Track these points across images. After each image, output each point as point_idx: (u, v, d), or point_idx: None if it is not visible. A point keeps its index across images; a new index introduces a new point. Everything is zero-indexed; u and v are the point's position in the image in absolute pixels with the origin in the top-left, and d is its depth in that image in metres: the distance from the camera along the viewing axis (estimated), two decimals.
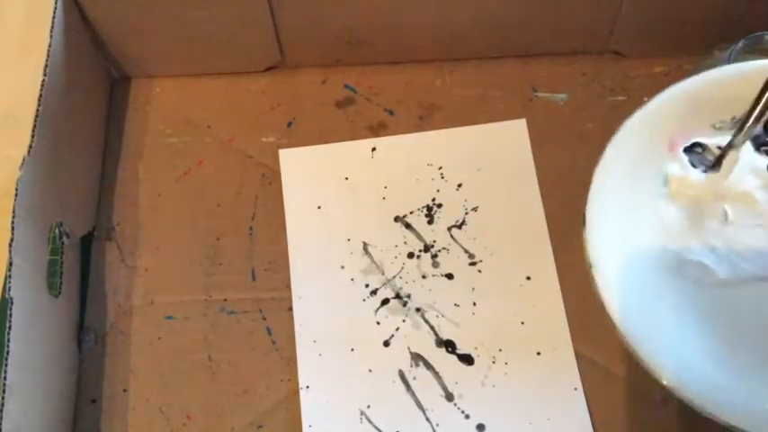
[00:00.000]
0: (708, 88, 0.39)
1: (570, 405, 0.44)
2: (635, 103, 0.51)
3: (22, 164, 0.41)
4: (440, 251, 0.48)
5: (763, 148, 0.40)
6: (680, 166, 0.40)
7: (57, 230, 0.45)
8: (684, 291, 0.38)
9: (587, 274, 0.47)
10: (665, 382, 0.34)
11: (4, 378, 0.38)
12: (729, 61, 0.42)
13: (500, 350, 0.46)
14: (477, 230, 0.49)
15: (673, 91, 0.39)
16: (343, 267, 0.48)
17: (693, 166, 0.40)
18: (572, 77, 0.53)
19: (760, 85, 0.37)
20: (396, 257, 0.48)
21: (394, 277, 0.48)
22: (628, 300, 0.36)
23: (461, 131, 0.52)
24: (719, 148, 0.39)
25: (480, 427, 0.44)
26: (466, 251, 0.48)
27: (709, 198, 0.39)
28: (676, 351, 0.36)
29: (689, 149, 0.40)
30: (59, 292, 0.45)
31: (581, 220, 0.37)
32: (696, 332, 0.37)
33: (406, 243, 0.49)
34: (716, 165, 0.39)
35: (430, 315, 0.47)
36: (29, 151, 0.42)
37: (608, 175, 0.38)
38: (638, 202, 0.39)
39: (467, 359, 0.46)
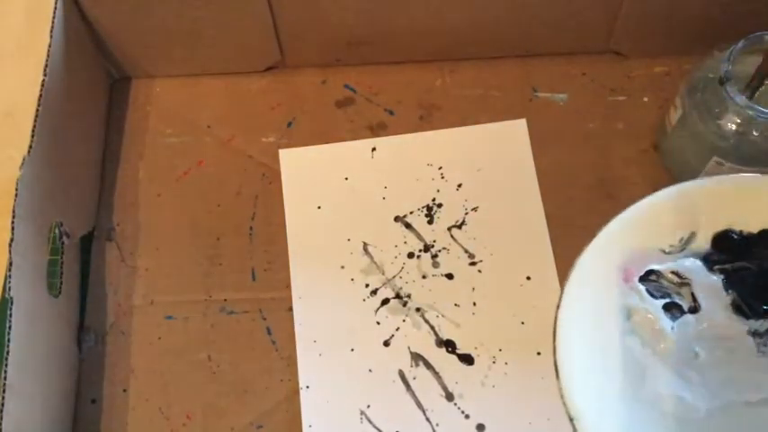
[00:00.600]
0: (650, 214, 0.39)
1: None
2: (635, 103, 0.52)
3: (22, 164, 0.41)
4: (440, 251, 0.48)
5: (716, 266, 0.40)
6: (639, 298, 0.40)
7: (57, 230, 0.45)
8: (672, 427, 0.38)
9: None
10: None
11: (4, 378, 0.38)
12: (729, 61, 0.42)
13: (500, 350, 0.46)
14: (477, 230, 0.49)
15: (616, 222, 0.39)
16: (343, 267, 0.48)
17: (651, 295, 0.40)
18: (572, 77, 0.53)
19: (704, 202, 0.38)
20: (396, 257, 0.48)
21: (394, 277, 0.48)
22: None
23: (461, 131, 0.52)
24: (673, 273, 0.40)
25: (480, 427, 0.44)
26: (466, 251, 0.48)
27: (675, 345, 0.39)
28: None
29: (644, 278, 0.40)
30: (59, 292, 0.45)
31: (554, 369, 0.36)
32: None
33: (406, 243, 0.49)
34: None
35: (430, 315, 0.47)
36: (29, 151, 0.42)
37: (571, 318, 0.38)
38: (606, 340, 0.39)
39: (467, 359, 0.46)
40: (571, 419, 0.36)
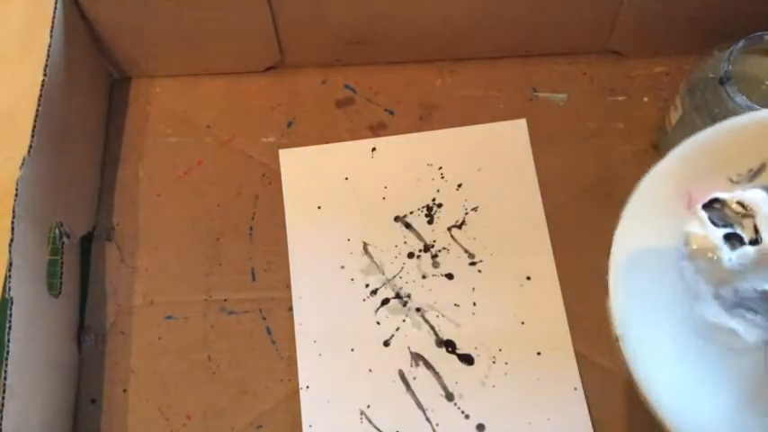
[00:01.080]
0: (722, 140, 0.38)
1: (570, 405, 0.44)
2: (635, 103, 0.52)
3: (22, 164, 0.41)
4: (440, 251, 0.48)
5: None
6: (700, 224, 0.38)
7: (57, 230, 0.45)
8: (715, 358, 0.37)
9: (587, 275, 0.47)
10: None
11: (4, 378, 0.38)
12: (729, 61, 0.42)
13: (500, 350, 0.46)
14: (477, 230, 0.49)
15: (687, 145, 0.38)
16: (343, 267, 0.48)
17: (713, 223, 0.38)
18: (572, 77, 0.53)
19: None
20: (396, 257, 0.48)
21: (394, 277, 0.48)
22: (657, 372, 0.35)
23: (461, 131, 0.52)
24: (738, 203, 0.38)
25: (480, 427, 0.44)
26: (466, 251, 0.48)
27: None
28: (713, 423, 0.35)
29: (707, 206, 0.39)
30: (59, 292, 0.45)
31: (604, 289, 0.36)
32: (731, 402, 0.36)
33: (406, 243, 0.49)
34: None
35: (430, 315, 0.47)
36: (29, 151, 0.42)
37: (627, 239, 0.37)
38: (661, 263, 0.38)
39: (467, 359, 0.46)
40: (616, 338, 0.35)
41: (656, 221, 0.38)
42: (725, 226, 0.39)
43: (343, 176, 0.51)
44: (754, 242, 0.38)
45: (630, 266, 0.37)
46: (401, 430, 0.44)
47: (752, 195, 0.39)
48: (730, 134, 0.38)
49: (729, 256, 0.38)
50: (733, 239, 0.39)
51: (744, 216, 0.39)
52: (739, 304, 0.38)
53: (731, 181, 0.39)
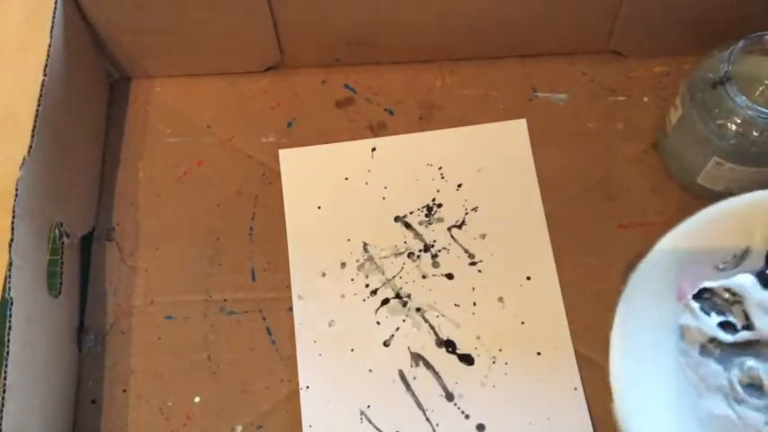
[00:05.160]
0: (704, 229, 0.38)
1: (570, 405, 0.44)
2: (635, 103, 0.52)
3: (22, 164, 0.41)
4: (440, 251, 0.48)
5: None
6: (692, 316, 0.39)
7: (57, 230, 0.45)
8: None
9: (587, 275, 0.47)
10: None
11: (4, 378, 0.38)
12: (729, 61, 0.42)
13: (500, 350, 0.46)
14: (477, 230, 0.49)
15: (671, 238, 0.38)
16: (343, 267, 0.48)
17: (705, 312, 0.39)
18: (572, 77, 0.53)
19: (758, 217, 0.37)
20: (396, 257, 0.48)
21: (394, 277, 0.48)
22: None
23: (461, 131, 0.52)
24: (726, 290, 0.39)
25: (480, 427, 0.44)
26: (466, 251, 0.48)
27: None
28: None
29: (697, 296, 0.39)
30: (59, 293, 0.45)
31: (609, 389, 0.36)
32: None
33: (405, 243, 0.49)
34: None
35: (430, 315, 0.47)
36: (29, 151, 0.42)
37: (623, 336, 0.37)
38: (659, 358, 0.38)
39: (467, 359, 0.46)
40: None
41: (649, 317, 0.38)
42: (718, 314, 0.39)
43: (343, 176, 0.51)
44: (747, 327, 0.39)
45: (629, 366, 0.37)
46: (401, 430, 0.44)
47: (740, 281, 0.39)
48: (711, 223, 0.38)
49: (726, 339, 0.38)
50: (727, 328, 0.39)
51: (733, 303, 0.39)
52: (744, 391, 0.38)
53: (717, 269, 0.39)
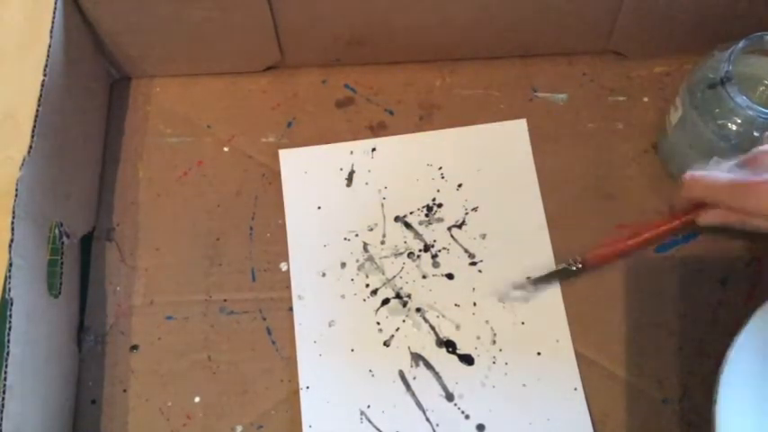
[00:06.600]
0: None
1: (570, 405, 0.44)
2: (635, 102, 0.52)
3: (22, 164, 0.41)
4: (440, 251, 0.48)
5: None
6: None
7: (57, 230, 0.45)
8: None
9: (587, 274, 0.47)
10: None
11: (4, 379, 0.38)
12: (729, 61, 0.42)
13: (500, 350, 0.46)
14: (477, 230, 0.49)
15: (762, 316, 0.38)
16: (343, 267, 0.48)
17: None
18: (572, 77, 0.53)
19: None
20: (396, 257, 0.48)
21: (394, 277, 0.48)
22: None
23: (461, 131, 0.52)
24: None
25: (480, 427, 0.44)
26: (466, 251, 0.48)
27: None
28: None
29: None
30: (59, 293, 0.45)
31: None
32: None
33: (405, 243, 0.49)
34: None
35: (430, 315, 0.47)
36: (29, 151, 0.42)
37: (732, 386, 0.37)
38: None
39: (467, 359, 0.46)
40: None
41: (761, 366, 0.39)
42: None
43: (343, 176, 0.51)
44: None
45: (736, 418, 0.37)
46: (401, 430, 0.44)
47: None
48: None
49: None
50: None
51: None
52: None
53: None
